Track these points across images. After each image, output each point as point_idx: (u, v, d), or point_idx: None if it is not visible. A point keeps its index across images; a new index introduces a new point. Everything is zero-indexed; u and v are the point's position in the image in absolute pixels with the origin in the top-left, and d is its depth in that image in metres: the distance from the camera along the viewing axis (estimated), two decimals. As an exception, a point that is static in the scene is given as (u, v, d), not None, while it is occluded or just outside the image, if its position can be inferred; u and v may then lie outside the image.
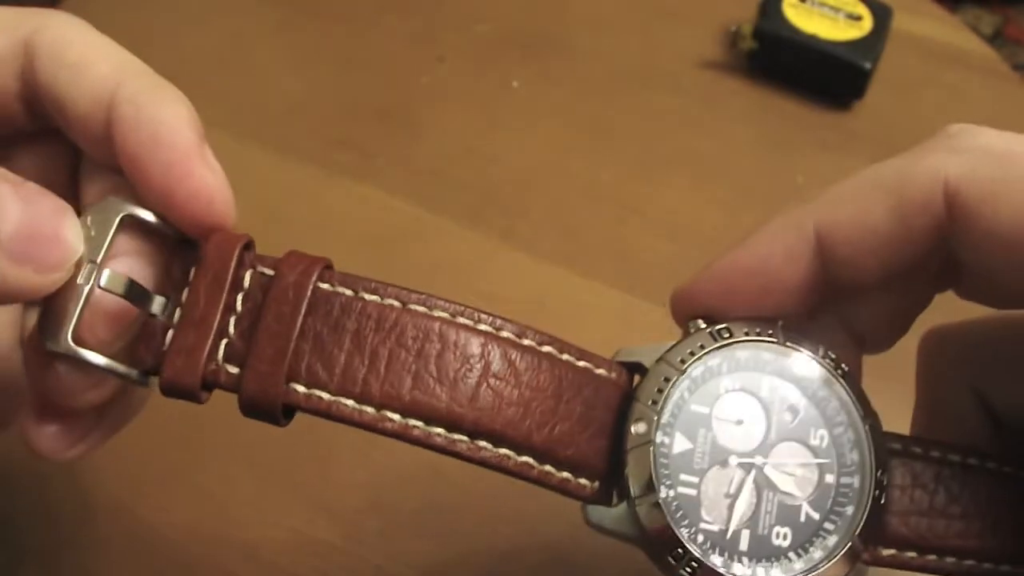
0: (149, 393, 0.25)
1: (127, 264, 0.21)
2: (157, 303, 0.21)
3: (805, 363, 0.22)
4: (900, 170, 0.21)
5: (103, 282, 0.21)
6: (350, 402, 0.20)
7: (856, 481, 0.21)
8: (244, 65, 0.51)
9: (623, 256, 0.43)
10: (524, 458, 0.21)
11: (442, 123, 0.48)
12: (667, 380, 0.21)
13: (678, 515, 0.21)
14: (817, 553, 0.21)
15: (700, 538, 0.21)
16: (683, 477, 0.21)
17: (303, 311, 0.20)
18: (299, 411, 0.21)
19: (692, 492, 0.21)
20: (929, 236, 0.21)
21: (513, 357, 0.21)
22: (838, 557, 0.21)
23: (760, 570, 0.21)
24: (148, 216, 0.22)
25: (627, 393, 0.22)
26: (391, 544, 0.34)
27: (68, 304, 0.20)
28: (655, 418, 0.21)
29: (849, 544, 0.21)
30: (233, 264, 0.21)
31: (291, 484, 0.35)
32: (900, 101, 0.51)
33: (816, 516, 0.21)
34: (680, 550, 0.20)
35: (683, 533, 0.21)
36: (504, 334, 0.21)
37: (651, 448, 0.21)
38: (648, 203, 0.45)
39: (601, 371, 0.22)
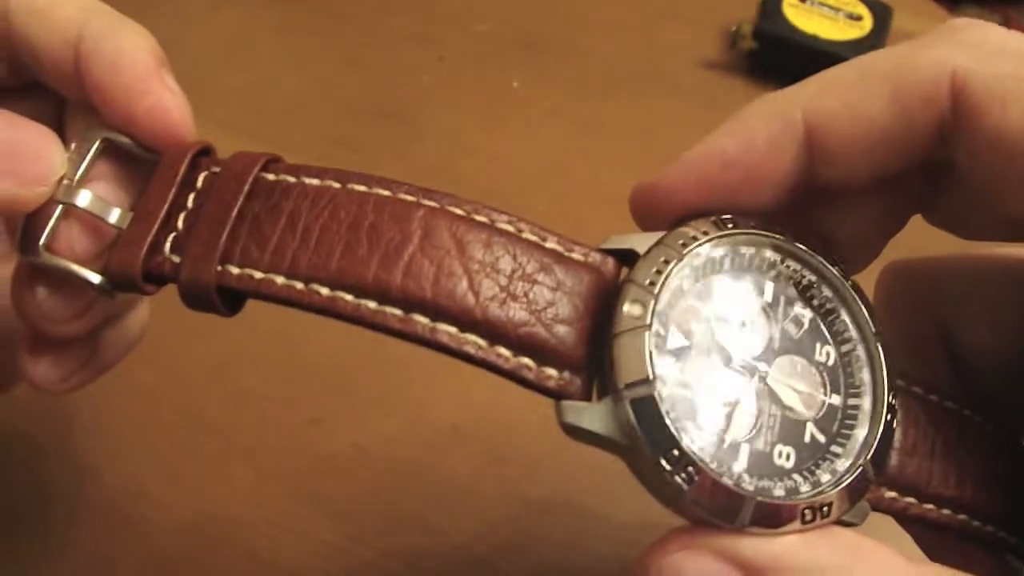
0: (142, 331, 0.26)
1: (104, 186, 0.23)
2: (127, 217, 0.22)
3: (816, 269, 0.20)
4: (902, 59, 0.19)
5: (73, 198, 0.22)
6: (280, 279, 0.19)
7: (866, 403, 0.19)
8: (244, 65, 0.51)
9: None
10: (470, 336, 0.18)
11: (442, 123, 0.48)
12: (666, 262, 0.19)
13: (672, 415, 0.18)
14: (824, 476, 0.18)
15: (696, 446, 0.18)
16: (677, 376, 0.18)
17: (242, 197, 0.20)
18: (233, 292, 0.20)
19: (686, 394, 0.18)
20: (929, 133, 0.19)
21: (457, 230, 0.19)
22: (848, 482, 0.18)
23: (763, 487, 0.18)
24: (123, 139, 0.23)
25: (610, 281, 0.20)
26: (392, 542, 0.34)
27: (44, 220, 0.22)
28: (652, 302, 0.18)
29: (860, 468, 0.18)
30: (184, 165, 0.22)
31: (292, 483, 0.35)
32: (900, 101, 0.51)
33: (822, 439, 0.19)
34: (676, 452, 0.17)
35: (680, 433, 0.17)
36: (452, 209, 0.19)
37: (646, 333, 0.18)
38: (648, 203, 0.45)
39: (575, 255, 0.20)
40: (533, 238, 0.19)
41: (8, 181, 0.21)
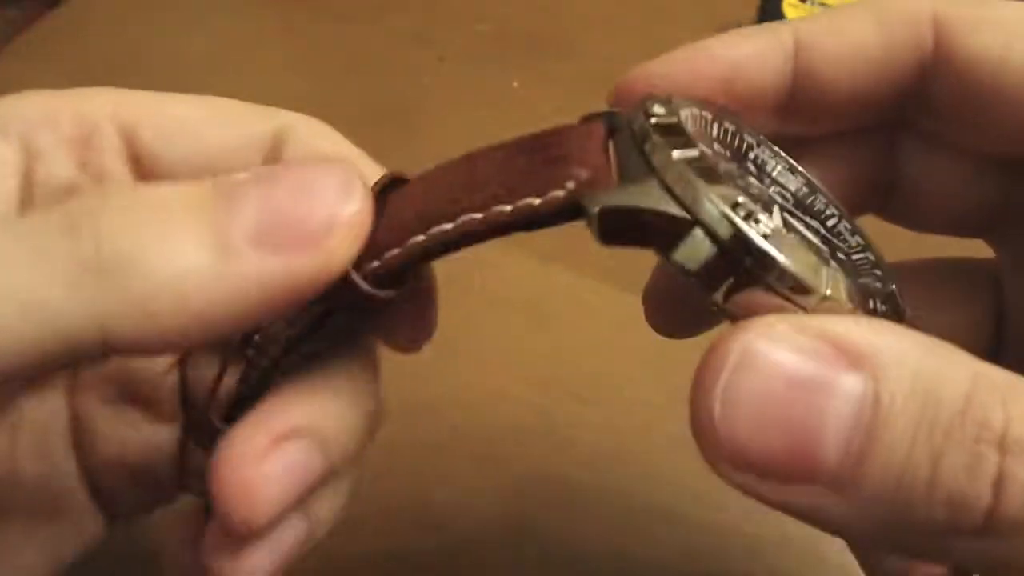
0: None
1: None
2: None
3: (787, 161, 0.20)
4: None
5: None
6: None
7: (870, 256, 0.19)
8: (244, 66, 0.51)
9: (623, 256, 0.43)
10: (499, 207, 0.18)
11: (442, 123, 0.48)
12: (669, 101, 0.17)
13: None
14: (875, 287, 0.17)
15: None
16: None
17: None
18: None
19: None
20: (910, 63, 0.20)
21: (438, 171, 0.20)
22: (894, 290, 0.18)
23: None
24: None
25: (601, 138, 0.18)
26: (392, 542, 0.34)
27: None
28: (675, 116, 0.17)
29: (894, 289, 0.18)
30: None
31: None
32: (900, 101, 0.51)
33: (847, 276, 0.17)
34: (742, 199, 0.15)
35: (744, 185, 0.16)
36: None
37: (683, 131, 0.16)
38: (648, 203, 0.45)
39: (558, 129, 0.19)
40: (508, 144, 0.19)
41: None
